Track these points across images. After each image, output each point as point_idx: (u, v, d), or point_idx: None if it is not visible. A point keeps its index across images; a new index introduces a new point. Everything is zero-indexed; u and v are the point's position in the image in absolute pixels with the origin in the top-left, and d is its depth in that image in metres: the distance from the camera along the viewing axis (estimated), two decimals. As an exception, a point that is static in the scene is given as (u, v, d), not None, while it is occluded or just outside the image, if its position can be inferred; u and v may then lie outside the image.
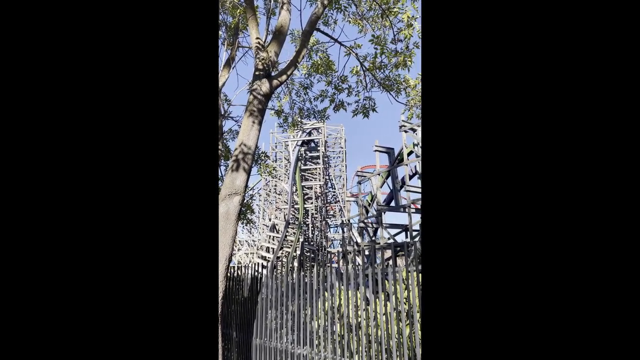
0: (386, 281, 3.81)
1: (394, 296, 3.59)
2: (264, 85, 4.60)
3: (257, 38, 4.82)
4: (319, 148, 26.16)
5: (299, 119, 7.90)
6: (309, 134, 26.40)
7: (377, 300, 3.78)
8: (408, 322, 3.64)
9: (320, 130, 26.17)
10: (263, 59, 4.65)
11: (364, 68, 6.27)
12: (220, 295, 3.88)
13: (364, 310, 3.78)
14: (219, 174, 7.50)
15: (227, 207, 4.09)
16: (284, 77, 4.94)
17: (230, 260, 4.05)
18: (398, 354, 3.42)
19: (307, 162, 26.53)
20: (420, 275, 3.43)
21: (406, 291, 3.74)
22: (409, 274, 3.56)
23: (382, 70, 6.27)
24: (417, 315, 3.38)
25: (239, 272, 5.46)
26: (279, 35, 4.94)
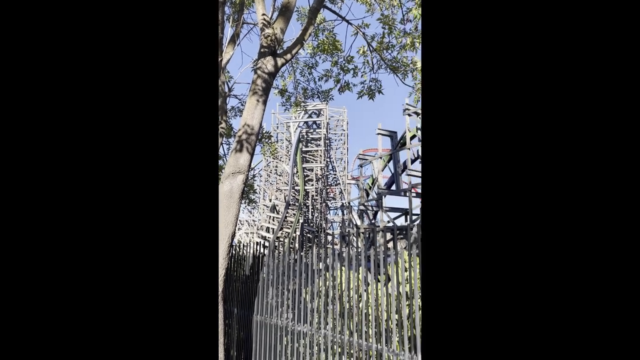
0: (387, 263, 3.84)
1: (394, 277, 3.63)
2: (269, 63, 4.52)
3: (263, 14, 4.71)
4: (320, 130, 26.00)
5: (302, 99, 7.80)
6: (311, 115, 26.19)
7: (378, 281, 3.82)
8: (408, 302, 3.69)
9: (322, 112, 25.95)
10: (268, 35, 4.56)
11: (371, 48, 6.15)
12: (222, 272, 3.93)
13: (364, 290, 3.82)
14: (222, 152, 7.47)
15: (230, 186, 4.09)
16: (289, 55, 4.85)
17: (232, 239, 4.08)
18: (397, 333, 3.48)
19: (309, 144, 26.42)
20: (419, 257, 3.46)
21: (406, 273, 3.78)
22: (410, 256, 3.58)
23: (389, 51, 6.15)
24: (417, 296, 3.42)
25: (241, 250, 5.51)
26: (285, 12, 4.82)
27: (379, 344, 3.52)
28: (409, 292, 3.64)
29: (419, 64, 6.05)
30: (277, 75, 7.51)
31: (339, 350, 3.90)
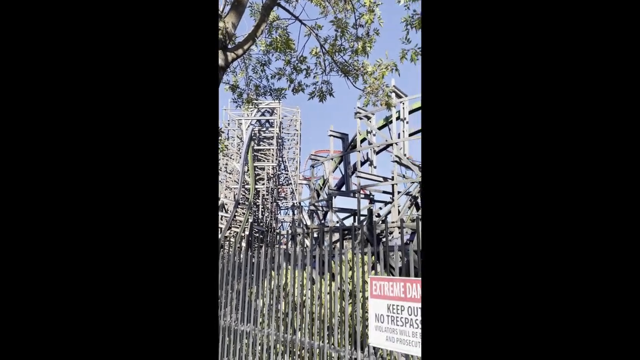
0: (332, 262, 3.91)
1: (339, 276, 3.70)
2: (219, 57, 4.41)
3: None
4: (273, 129, 25.80)
5: (254, 97, 7.69)
6: (264, 113, 25.91)
7: (322, 280, 3.87)
8: (351, 301, 3.77)
9: (275, 111, 25.76)
10: (220, 29, 4.44)
11: (324, 50, 6.22)
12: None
13: (309, 289, 3.86)
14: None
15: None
16: (241, 50, 4.77)
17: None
18: (339, 331, 3.55)
19: (261, 142, 26.09)
20: (364, 257, 3.56)
21: (351, 272, 3.87)
22: (354, 255, 3.67)
23: (341, 54, 6.26)
24: (359, 295, 3.51)
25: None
26: (237, 6, 4.73)
27: (321, 342, 3.56)
28: (352, 290, 3.73)
29: (369, 68, 6.22)
30: (228, 71, 7.33)
31: (282, 348, 3.89)
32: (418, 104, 15.65)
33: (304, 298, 3.91)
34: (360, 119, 15.15)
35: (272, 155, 25.50)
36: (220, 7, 4.96)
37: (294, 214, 19.42)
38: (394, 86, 13.68)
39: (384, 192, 15.50)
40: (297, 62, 6.62)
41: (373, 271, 3.54)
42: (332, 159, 16.56)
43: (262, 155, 25.91)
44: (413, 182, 14.67)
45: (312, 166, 18.01)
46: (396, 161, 13.70)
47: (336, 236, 11.46)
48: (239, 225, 21.66)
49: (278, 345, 3.90)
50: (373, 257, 3.58)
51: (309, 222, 16.84)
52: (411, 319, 2.78)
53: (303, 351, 3.63)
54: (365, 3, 5.23)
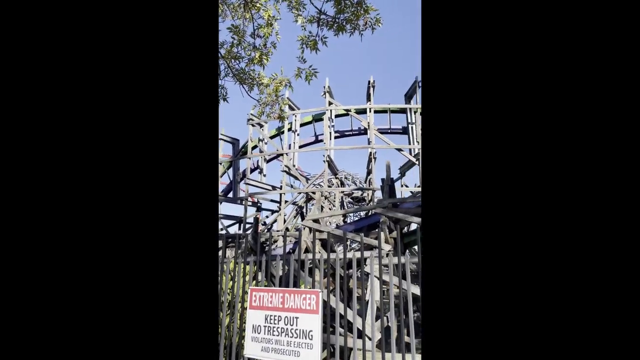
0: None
1: (218, 286, 3.64)
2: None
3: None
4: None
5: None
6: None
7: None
8: (229, 312, 3.73)
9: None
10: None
11: (220, 54, 6.10)
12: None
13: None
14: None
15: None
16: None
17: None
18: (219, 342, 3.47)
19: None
20: (246, 266, 3.57)
21: (231, 282, 3.83)
22: (237, 265, 3.65)
23: (237, 62, 6.22)
24: (239, 306, 3.50)
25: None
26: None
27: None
28: (231, 301, 3.69)
29: (265, 80, 6.32)
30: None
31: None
32: (309, 118, 16.34)
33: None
34: (253, 126, 15.12)
35: (154, 153, 23.48)
36: None
37: (174, 219, 18.14)
38: (287, 98, 14.07)
39: (272, 200, 15.66)
40: (189, 61, 6.33)
41: (254, 282, 3.58)
42: (220, 164, 16.07)
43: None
44: (300, 192, 15.18)
45: (199, 169, 17.17)
46: (285, 171, 14.03)
47: (219, 244, 11.13)
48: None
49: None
50: (255, 266, 3.61)
51: (190, 228, 15.93)
52: (287, 329, 2.90)
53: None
54: (264, 16, 5.34)
